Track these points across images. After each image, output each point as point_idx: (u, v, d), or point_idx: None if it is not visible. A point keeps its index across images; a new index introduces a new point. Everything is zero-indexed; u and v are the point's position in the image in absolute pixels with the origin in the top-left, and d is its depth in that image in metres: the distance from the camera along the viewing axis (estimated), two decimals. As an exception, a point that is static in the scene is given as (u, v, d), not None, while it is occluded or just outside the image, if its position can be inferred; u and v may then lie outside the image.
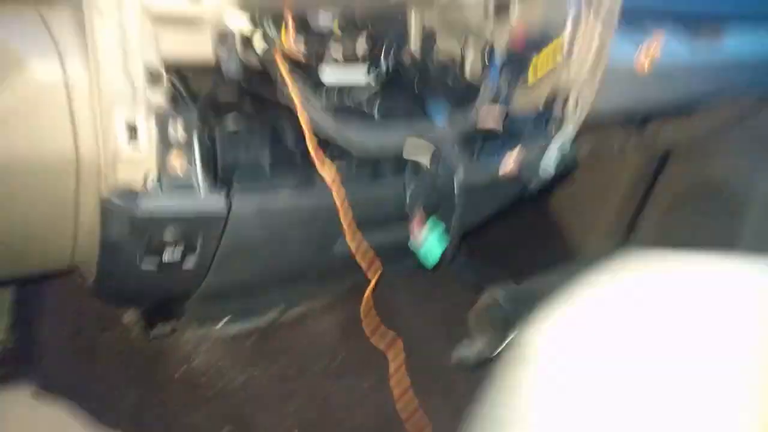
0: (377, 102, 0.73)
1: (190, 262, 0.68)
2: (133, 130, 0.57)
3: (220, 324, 1.04)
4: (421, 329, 1.18)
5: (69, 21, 0.56)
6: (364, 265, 0.72)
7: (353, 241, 0.70)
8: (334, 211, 0.71)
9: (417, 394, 0.96)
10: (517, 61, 0.72)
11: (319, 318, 1.13)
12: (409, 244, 0.73)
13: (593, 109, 0.94)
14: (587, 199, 1.68)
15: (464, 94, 0.81)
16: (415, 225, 0.71)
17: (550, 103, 0.79)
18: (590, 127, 0.87)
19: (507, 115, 0.77)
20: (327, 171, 0.64)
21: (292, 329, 1.09)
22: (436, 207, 0.77)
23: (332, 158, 0.69)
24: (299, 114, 0.64)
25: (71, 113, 0.55)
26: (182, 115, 0.59)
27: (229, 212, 0.64)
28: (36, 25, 0.56)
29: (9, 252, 0.69)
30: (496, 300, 1.45)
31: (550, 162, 0.72)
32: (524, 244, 1.60)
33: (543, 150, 0.73)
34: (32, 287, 1.04)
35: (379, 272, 0.74)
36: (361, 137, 0.67)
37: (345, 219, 0.67)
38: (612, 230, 1.75)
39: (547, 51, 0.69)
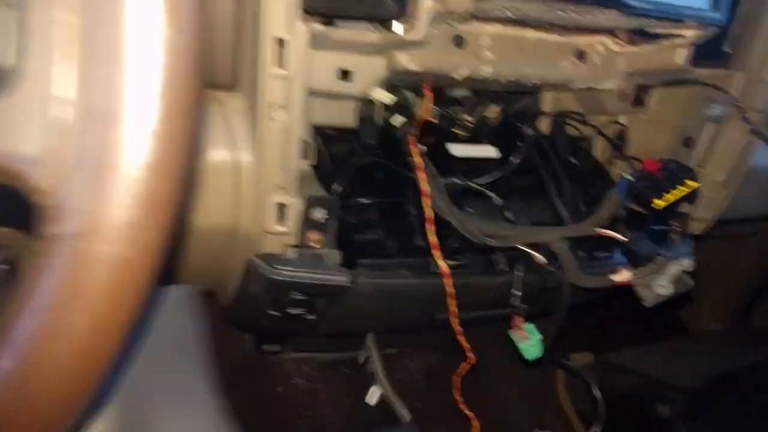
0: (503, 184, 0.77)
1: (311, 316, 0.76)
2: (282, 210, 0.65)
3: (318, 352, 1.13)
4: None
5: (242, 107, 0.65)
6: (464, 346, 0.77)
7: (456, 326, 0.74)
8: (442, 294, 0.77)
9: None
10: (648, 179, 0.72)
11: (411, 358, 1.19)
12: (510, 333, 0.76)
13: (727, 217, 0.92)
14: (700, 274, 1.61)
15: (592, 184, 0.83)
16: (516, 320, 0.74)
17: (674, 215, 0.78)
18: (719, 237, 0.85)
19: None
20: (442, 264, 0.69)
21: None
22: (540, 304, 0.80)
23: (450, 248, 0.74)
24: (423, 204, 0.69)
25: (237, 192, 0.64)
26: (325, 202, 0.67)
27: (352, 285, 0.71)
28: (215, 109, 0.65)
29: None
30: (591, 362, 1.44)
31: (669, 280, 0.71)
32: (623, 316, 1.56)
33: (663, 267, 0.73)
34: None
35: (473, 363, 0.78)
36: (482, 231, 0.71)
37: (451, 307, 0.72)
38: (724, 308, 1.67)
39: (682, 189, 0.69)
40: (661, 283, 0.71)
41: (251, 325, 0.86)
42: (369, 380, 1.12)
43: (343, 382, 1.12)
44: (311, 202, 0.66)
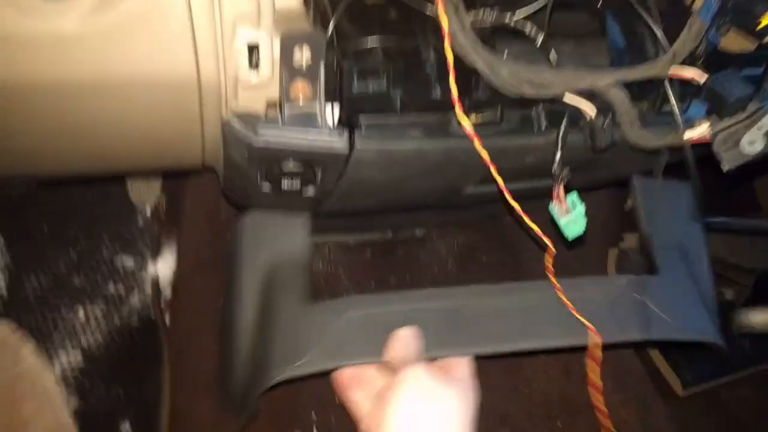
0: (545, 20, 0.59)
1: (309, 192, 0.64)
2: (255, 51, 0.51)
3: (340, 235, 1.03)
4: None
5: None
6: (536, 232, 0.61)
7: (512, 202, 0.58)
8: (466, 161, 0.62)
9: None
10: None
11: (438, 240, 1.08)
12: (549, 209, 0.62)
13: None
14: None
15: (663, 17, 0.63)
16: (558, 190, 0.60)
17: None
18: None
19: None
20: (466, 122, 0.54)
21: (409, 248, 1.05)
22: (589, 170, 0.64)
23: (477, 101, 0.59)
24: (445, 44, 0.53)
25: (192, 29, 0.49)
26: (309, 39, 0.52)
27: (351, 152, 0.57)
28: None
29: (143, 150, 0.69)
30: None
31: (762, 135, 0.54)
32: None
33: (753, 119, 0.55)
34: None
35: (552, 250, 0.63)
36: (518, 78, 0.55)
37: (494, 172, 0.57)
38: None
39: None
40: (750, 139, 0.54)
41: (249, 203, 0.75)
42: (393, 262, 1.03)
43: (366, 265, 1.02)
44: (287, 41, 0.51)
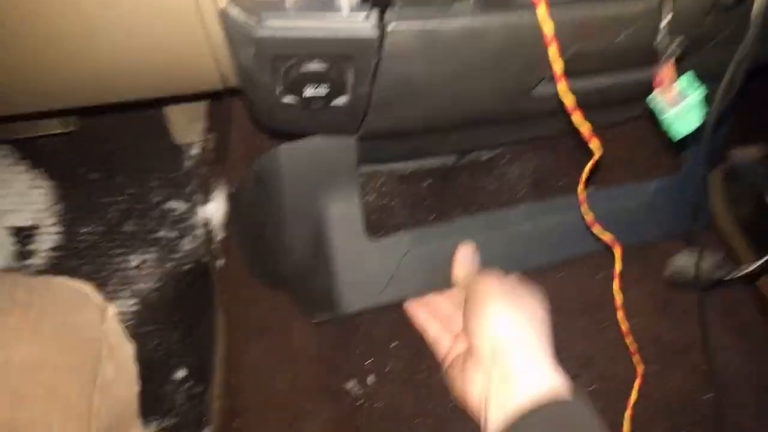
0: None
1: (340, 101, 0.53)
2: None
3: (396, 163, 0.91)
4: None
5: None
6: (583, 131, 0.50)
7: (564, 91, 0.47)
8: (535, 41, 0.48)
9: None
10: None
11: (506, 165, 0.93)
12: (649, 100, 0.47)
13: None
14: None
15: None
16: (665, 72, 0.45)
17: None
18: None
19: None
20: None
21: (473, 175, 0.92)
22: (704, 48, 0.48)
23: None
24: None
25: None
26: None
27: (383, 39, 0.45)
28: None
29: (153, 72, 0.60)
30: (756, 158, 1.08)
31: None
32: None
33: None
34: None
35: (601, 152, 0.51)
36: None
37: (553, 55, 0.44)
38: None
39: None
40: None
41: (278, 124, 0.65)
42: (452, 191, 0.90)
43: (424, 196, 0.90)
44: None
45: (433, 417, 0.76)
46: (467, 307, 0.63)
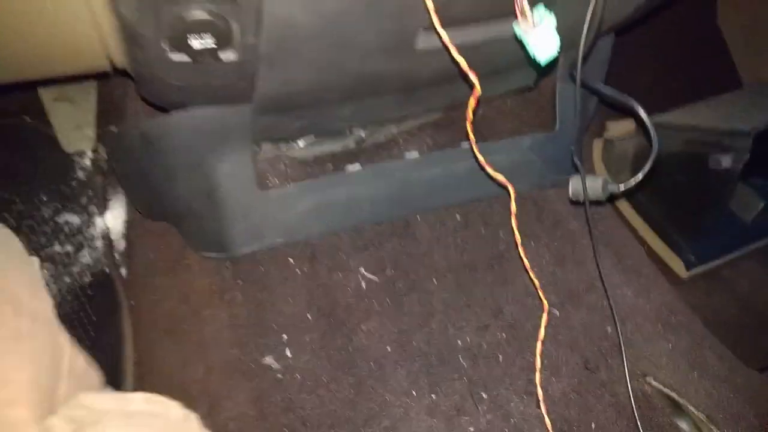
0: None
1: (231, 53, 0.54)
2: None
3: (298, 144, 0.92)
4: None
5: None
6: (462, 66, 0.53)
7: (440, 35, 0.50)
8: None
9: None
10: None
11: (407, 144, 0.97)
12: (514, 27, 0.52)
13: None
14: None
15: None
16: (524, 2, 0.50)
17: None
18: None
19: None
20: None
21: (376, 154, 0.95)
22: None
23: None
24: None
25: None
26: None
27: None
28: None
29: (39, 48, 0.58)
30: (631, 131, 1.20)
31: None
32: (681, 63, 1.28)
33: None
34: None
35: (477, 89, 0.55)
36: None
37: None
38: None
39: None
40: None
41: (170, 93, 0.64)
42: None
43: (321, 178, 0.91)
44: None
45: (353, 379, 0.77)
46: None
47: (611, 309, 0.81)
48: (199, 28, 0.50)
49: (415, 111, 0.95)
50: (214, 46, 0.52)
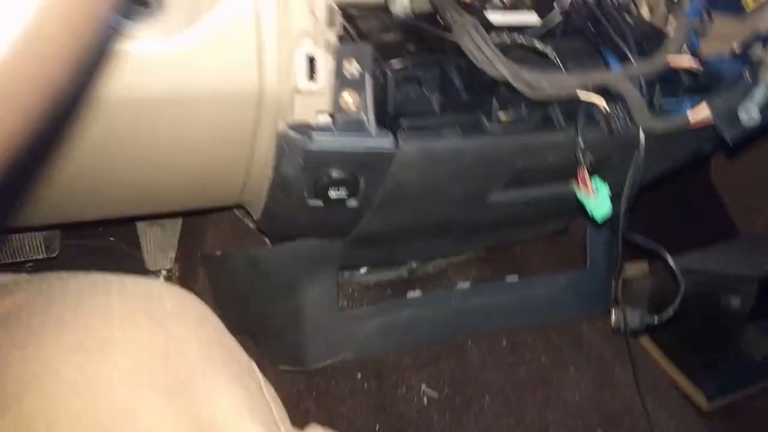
0: (550, 43, 0.68)
1: (353, 201, 0.69)
2: (312, 63, 0.57)
3: (360, 271, 1.06)
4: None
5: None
6: None
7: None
8: (497, 158, 0.68)
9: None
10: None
11: (455, 275, 1.12)
12: (576, 192, 0.68)
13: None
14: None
15: (644, 36, 0.73)
16: (584, 173, 0.66)
17: (751, 42, 0.69)
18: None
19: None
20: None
21: (429, 282, 1.09)
22: (608, 159, 0.71)
23: (501, 104, 0.66)
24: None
25: (259, 44, 0.56)
26: (358, 52, 0.59)
27: (396, 151, 0.63)
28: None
29: (184, 186, 0.73)
30: (646, 272, 1.35)
31: (755, 106, 0.62)
32: (683, 215, 1.46)
33: (746, 92, 0.63)
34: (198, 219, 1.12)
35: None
36: (537, 77, 0.63)
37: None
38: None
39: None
40: (747, 108, 0.62)
41: (289, 228, 0.79)
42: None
43: (389, 301, 1.04)
44: (341, 53, 0.58)
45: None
46: None
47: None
48: (339, 183, 0.65)
49: (467, 249, 1.11)
50: (346, 196, 0.67)
